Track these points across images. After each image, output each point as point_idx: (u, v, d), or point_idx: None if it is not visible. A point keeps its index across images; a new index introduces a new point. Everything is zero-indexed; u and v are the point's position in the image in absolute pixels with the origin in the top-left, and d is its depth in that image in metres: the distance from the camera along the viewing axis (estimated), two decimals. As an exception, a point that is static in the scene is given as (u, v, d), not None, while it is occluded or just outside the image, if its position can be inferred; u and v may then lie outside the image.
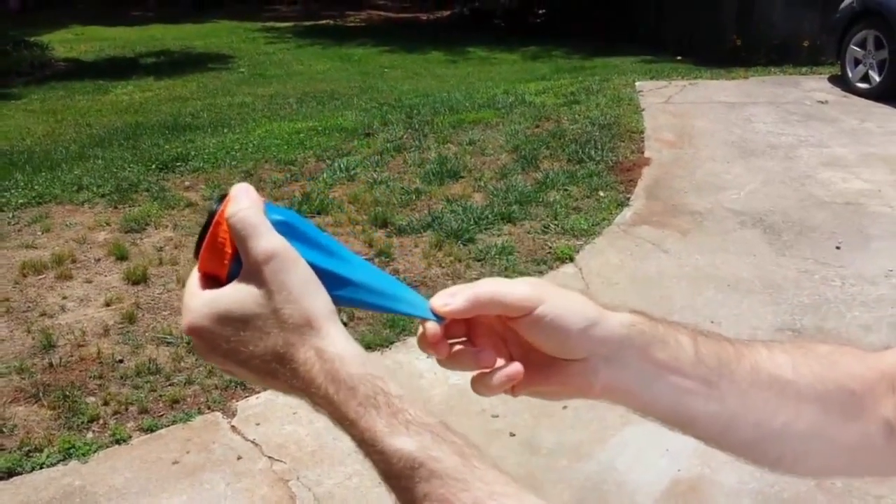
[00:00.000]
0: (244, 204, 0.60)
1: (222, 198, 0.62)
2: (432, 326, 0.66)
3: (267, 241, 0.59)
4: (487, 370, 0.66)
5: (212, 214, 0.61)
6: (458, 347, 0.68)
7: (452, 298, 0.65)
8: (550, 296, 0.65)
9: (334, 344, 0.58)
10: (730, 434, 0.71)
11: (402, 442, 0.54)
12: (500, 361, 0.67)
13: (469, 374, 0.69)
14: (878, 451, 0.72)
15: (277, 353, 0.58)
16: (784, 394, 0.70)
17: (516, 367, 0.65)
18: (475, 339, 0.68)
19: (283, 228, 0.61)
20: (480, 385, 0.66)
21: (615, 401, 0.69)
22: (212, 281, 0.62)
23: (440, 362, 0.68)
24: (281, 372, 0.58)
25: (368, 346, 3.39)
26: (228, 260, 0.60)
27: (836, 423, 0.71)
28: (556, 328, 0.65)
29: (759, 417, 0.70)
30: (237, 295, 0.59)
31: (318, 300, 0.59)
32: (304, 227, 0.63)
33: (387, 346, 3.48)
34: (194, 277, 0.63)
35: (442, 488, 0.53)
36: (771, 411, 0.70)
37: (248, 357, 0.59)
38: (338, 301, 0.62)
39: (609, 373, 0.67)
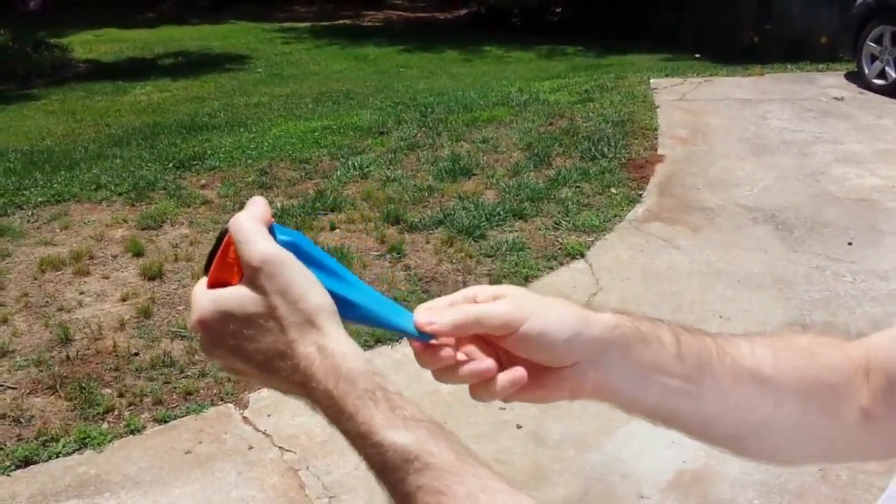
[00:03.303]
0: (245, 213, 0.63)
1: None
2: (418, 344, 0.67)
3: (259, 246, 0.60)
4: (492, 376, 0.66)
5: (223, 232, 0.64)
6: (447, 353, 0.67)
7: (437, 317, 0.66)
8: (533, 311, 0.66)
9: (335, 341, 0.60)
10: (712, 428, 0.73)
11: (398, 435, 0.56)
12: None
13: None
14: (855, 438, 0.73)
15: (279, 350, 0.60)
16: (764, 389, 0.72)
17: (520, 372, 0.66)
18: (461, 344, 0.68)
19: (290, 249, 0.63)
20: (482, 391, 0.67)
21: (603, 400, 0.71)
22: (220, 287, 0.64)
23: (435, 376, 0.68)
24: (282, 368, 0.60)
25: (378, 341, 3.43)
26: (238, 278, 0.62)
27: (814, 415, 0.73)
28: (543, 342, 0.66)
29: (739, 412, 0.72)
30: (237, 296, 0.61)
31: (316, 298, 0.61)
32: (310, 250, 0.65)
33: (397, 341, 3.51)
34: (201, 283, 0.65)
35: (436, 480, 0.54)
36: (751, 405, 0.72)
37: (251, 353, 0.61)
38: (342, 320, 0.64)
39: (596, 375, 0.68)
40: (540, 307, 0.67)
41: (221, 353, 0.63)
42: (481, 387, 0.67)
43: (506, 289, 0.70)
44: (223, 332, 0.61)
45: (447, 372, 0.67)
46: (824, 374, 0.73)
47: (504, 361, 0.68)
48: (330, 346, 0.59)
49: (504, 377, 0.66)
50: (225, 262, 0.63)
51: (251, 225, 0.62)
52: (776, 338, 0.76)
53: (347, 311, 0.65)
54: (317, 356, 0.59)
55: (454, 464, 0.56)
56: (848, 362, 0.74)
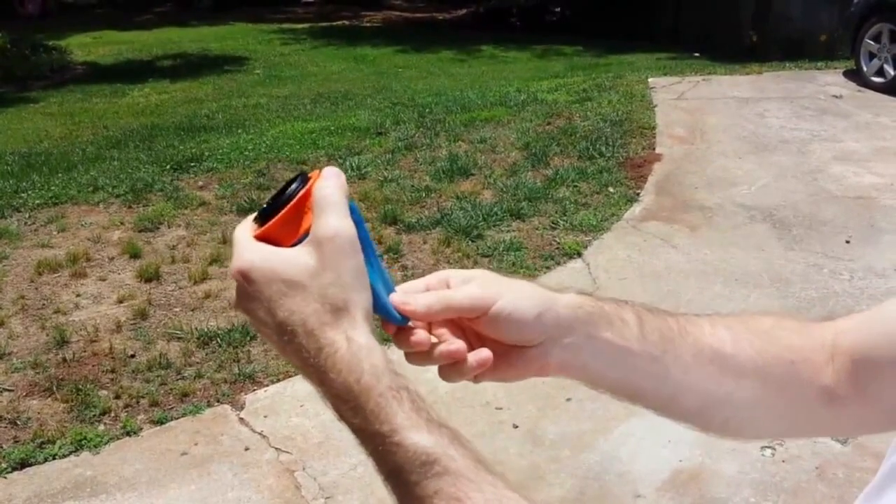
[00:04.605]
0: (333, 182, 0.63)
1: (304, 177, 0.65)
2: (392, 327, 0.67)
3: (339, 220, 0.61)
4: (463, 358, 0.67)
5: (287, 187, 0.64)
6: (421, 337, 0.68)
7: (413, 300, 0.67)
8: (502, 292, 0.68)
9: (364, 336, 0.60)
10: (675, 404, 0.75)
11: (421, 437, 0.56)
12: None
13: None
14: (817, 416, 0.75)
15: (309, 327, 0.59)
16: (725, 367, 0.74)
17: (486, 353, 0.67)
18: (434, 327, 0.69)
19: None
20: (452, 372, 0.68)
21: (570, 376, 0.73)
22: (268, 244, 0.63)
23: (408, 359, 0.69)
24: (304, 346, 0.59)
25: (385, 340, 3.43)
26: (300, 234, 0.62)
27: (775, 392, 0.74)
28: (512, 321, 0.68)
29: (701, 389, 0.74)
30: (293, 259, 0.61)
31: (362, 294, 0.61)
32: (361, 231, 0.65)
33: (388, 343, 3.51)
34: (247, 230, 0.64)
35: (453, 486, 0.54)
36: (713, 383, 0.74)
37: (280, 320, 0.60)
38: None
39: (561, 352, 0.70)
40: (508, 289, 0.69)
41: (253, 308, 0.62)
42: (451, 368, 0.68)
43: (476, 273, 0.71)
44: (263, 290, 0.61)
45: (421, 355, 0.68)
46: (784, 353, 0.75)
47: (473, 343, 0.69)
48: (359, 339, 0.59)
49: (471, 357, 0.67)
50: (296, 215, 0.63)
51: (338, 197, 0.62)
52: (738, 319, 0.78)
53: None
54: (343, 344, 0.59)
55: (472, 471, 0.55)
56: (810, 343, 0.75)
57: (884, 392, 0.70)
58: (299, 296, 0.60)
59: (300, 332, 0.59)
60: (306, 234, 0.62)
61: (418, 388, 0.61)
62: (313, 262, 0.60)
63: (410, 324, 0.68)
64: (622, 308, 0.73)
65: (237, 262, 0.62)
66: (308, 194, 0.63)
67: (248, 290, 0.62)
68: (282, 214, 0.63)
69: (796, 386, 0.74)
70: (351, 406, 0.58)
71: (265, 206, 0.64)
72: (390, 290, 0.68)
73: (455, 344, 0.67)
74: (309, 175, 0.65)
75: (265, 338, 0.63)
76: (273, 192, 0.66)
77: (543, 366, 0.71)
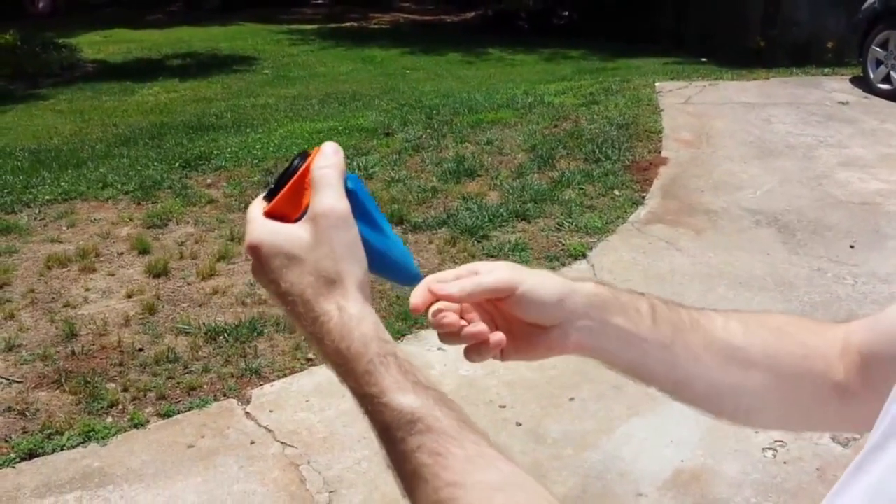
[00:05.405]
0: (330, 161, 0.67)
1: (305, 154, 0.69)
2: (416, 300, 0.73)
3: (332, 198, 0.65)
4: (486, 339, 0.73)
5: (291, 165, 0.68)
6: (452, 318, 0.73)
7: (448, 284, 0.72)
8: (526, 276, 0.74)
9: (356, 306, 0.64)
10: (685, 389, 0.80)
11: (406, 398, 0.59)
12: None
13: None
14: (828, 410, 0.79)
15: (306, 297, 0.64)
16: (734, 358, 0.78)
17: (500, 336, 0.73)
18: (465, 314, 0.75)
19: (351, 197, 0.68)
20: (473, 353, 0.74)
21: (587, 356, 0.79)
22: (277, 219, 0.67)
23: (440, 338, 0.74)
24: (303, 315, 0.64)
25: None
26: (303, 208, 0.66)
27: (787, 386, 0.78)
28: (536, 303, 0.74)
29: (710, 377, 0.78)
30: (291, 234, 0.65)
31: (354, 265, 0.65)
32: (365, 200, 0.70)
33: (399, 338, 3.54)
34: (258, 207, 0.69)
35: (436, 442, 0.58)
36: (721, 373, 0.78)
37: (283, 291, 0.65)
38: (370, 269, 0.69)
39: (578, 335, 0.76)
40: (531, 275, 0.75)
41: (264, 281, 0.67)
42: (474, 349, 0.73)
43: (501, 263, 0.78)
44: (269, 263, 0.65)
45: (451, 335, 0.73)
46: (797, 349, 0.79)
47: (500, 328, 0.75)
48: (350, 309, 0.63)
49: (491, 338, 0.73)
50: (297, 191, 0.67)
51: (332, 175, 0.66)
52: (752, 315, 0.82)
53: (376, 260, 0.69)
54: (335, 314, 0.63)
55: (455, 429, 0.59)
56: (823, 340, 0.79)
57: (889, 387, 0.73)
58: (298, 268, 0.64)
59: (299, 301, 0.64)
60: (307, 209, 0.66)
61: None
62: (308, 237, 0.65)
63: (440, 305, 0.72)
64: (637, 299, 0.79)
65: (248, 237, 0.67)
66: (307, 171, 0.67)
67: (259, 263, 0.67)
68: (283, 192, 0.67)
69: (808, 380, 0.78)
70: (344, 370, 0.62)
71: (273, 183, 0.69)
72: (402, 251, 0.73)
73: (479, 326, 0.73)
74: (309, 152, 0.69)
75: (277, 307, 0.68)
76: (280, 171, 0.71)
77: (563, 345, 0.77)
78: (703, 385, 0.79)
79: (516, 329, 0.76)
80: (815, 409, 0.80)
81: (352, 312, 0.63)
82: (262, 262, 0.66)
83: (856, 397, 0.76)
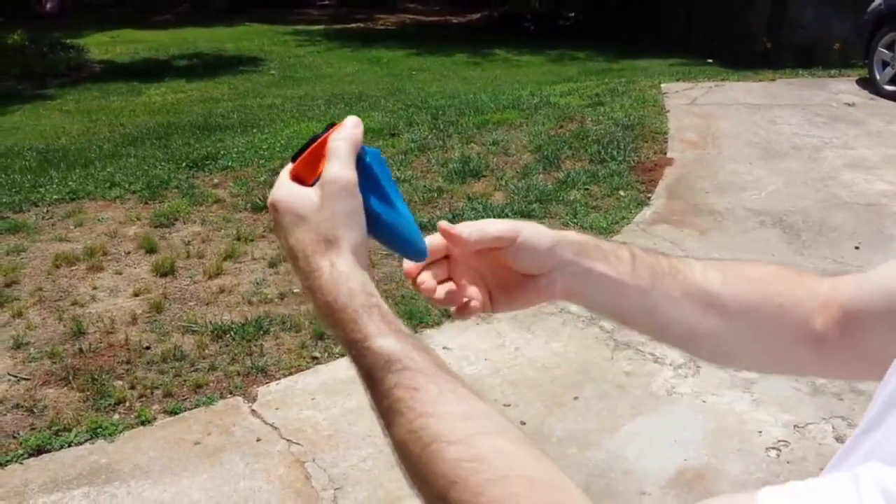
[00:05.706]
0: (346, 134, 0.72)
1: (330, 125, 0.75)
2: (409, 265, 0.82)
3: (340, 168, 0.70)
4: (467, 301, 0.83)
5: (315, 135, 0.74)
6: (428, 284, 0.82)
7: (455, 226, 0.81)
8: (524, 226, 0.82)
9: (346, 265, 0.69)
10: (664, 332, 0.86)
11: (386, 342, 0.64)
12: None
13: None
14: (803, 356, 0.84)
15: (305, 252, 0.69)
16: (712, 304, 0.83)
17: (474, 290, 0.83)
18: (456, 278, 0.83)
19: (365, 170, 0.73)
20: (458, 313, 0.84)
21: (572, 301, 0.85)
22: (298, 181, 0.73)
23: (432, 302, 0.83)
24: (302, 269, 0.69)
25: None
26: (317, 174, 0.71)
27: (764, 332, 0.83)
28: (532, 250, 0.81)
29: (687, 322, 0.84)
30: (303, 196, 0.71)
31: (352, 231, 0.70)
32: (380, 173, 0.75)
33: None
34: (287, 168, 0.74)
35: (411, 379, 0.62)
36: (698, 317, 0.84)
37: (289, 245, 0.71)
38: (374, 238, 0.75)
39: (564, 280, 0.83)
40: (527, 224, 0.82)
41: (278, 235, 0.73)
42: (458, 310, 0.83)
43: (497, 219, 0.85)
44: (283, 219, 0.71)
45: (433, 299, 0.82)
46: (774, 297, 0.83)
47: (490, 285, 0.85)
48: (340, 266, 0.68)
49: (468, 294, 0.83)
50: (315, 157, 0.72)
51: (344, 148, 0.72)
52: (732, 263, 0.87)
53: (384, 232, 0.75)
54: (327, 270, 0.68)
55: (431, 369, 0.64)
56: (802, 290, 0.84)
57: (867, 341, 0.77)
58: (303, 227, 0.70)
59: (300, 256, 0.70)
60: (320, 175, 0.72)
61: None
62: (316, 200, 0.70)
63: (424, 276, 0.81)
64: (618, 247, 0.85)
65: (272, 194, 0.73)
66: (325, 141, 0.73)
67: (274, 219, 0.73)
68: (302, 157, 0.73)
69: (783, 328, 0.83)
70: (333, 320, 0.67)
71: (304, 145, 0.74)
72: (411, 227, 0.77)
73: (449, 286, 0.82)
74: (335, 123, 0.75)
75: (287, 260, 0.74)
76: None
77: (551, 292, 0.83)
78: (682, 329, 0.84)
79: (507, 279, 0.84)
80: (790, 355, 0.85)
81: (342, 269, 0.68)
82: (278, 218, 0.72)
83: (832, 346, 0.81)
